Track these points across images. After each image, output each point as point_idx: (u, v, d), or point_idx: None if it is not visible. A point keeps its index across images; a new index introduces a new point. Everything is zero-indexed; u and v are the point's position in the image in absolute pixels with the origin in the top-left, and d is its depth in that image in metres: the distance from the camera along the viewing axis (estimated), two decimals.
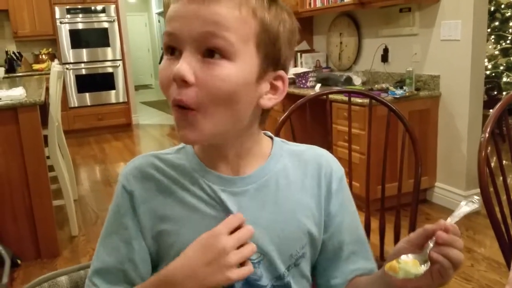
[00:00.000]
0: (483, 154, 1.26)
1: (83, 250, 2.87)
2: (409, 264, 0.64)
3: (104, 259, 0.76)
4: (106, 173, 4.59)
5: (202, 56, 0.64)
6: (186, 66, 0.63)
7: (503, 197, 1.32)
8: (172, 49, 0.67)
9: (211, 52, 0.64)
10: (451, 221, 0.66)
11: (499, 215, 1.26)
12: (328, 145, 1.69)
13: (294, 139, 1.48)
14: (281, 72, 0.72)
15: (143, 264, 0.76)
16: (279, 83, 0.72)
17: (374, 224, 1.64)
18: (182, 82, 0.64)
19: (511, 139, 1.40)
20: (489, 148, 1.31)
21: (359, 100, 2.91)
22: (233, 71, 0.65)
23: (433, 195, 3.34)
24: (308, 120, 1.71)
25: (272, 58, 0.69)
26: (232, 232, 0.69)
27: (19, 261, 2.69)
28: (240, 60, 0.65)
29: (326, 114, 1.75)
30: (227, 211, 0.73)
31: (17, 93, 2.59)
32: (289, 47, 0.71)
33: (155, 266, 0.77)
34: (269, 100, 0.72)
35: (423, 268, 0.64)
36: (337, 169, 0.83)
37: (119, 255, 0.75)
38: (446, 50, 3.08)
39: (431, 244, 0.64)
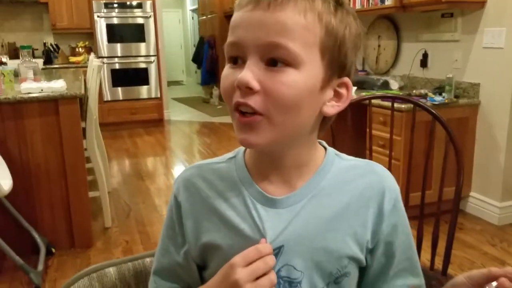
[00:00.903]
0: None
1: (115, 242, 2.92)
2: None
3: (159, 259, 0.82)
4: (138, 167, 4.65)
5: (266, 64, 0.64)
6: (250, 73, 0.63)
7: None
8: (235, 59, 0.67)
9: (275, 61, 0.64)
10: None
11: None
12: (362, 150, 1.68)
13: (334, 143, 1.48)
14: (346, 79, 0.70)
15: (190, 268, 0.78)
16: (343, 90, 0.70)
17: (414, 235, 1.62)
18: (247, 89, 0.63)
19: None
20: None
21: (396, 105, 2.87)
22: (298, 78, 0.64)
23: (467, 205, 3.28)
24: (349, 124, 1.70)
25: (337, 64, 0.68)
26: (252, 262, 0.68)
27: (53, 250, 2.76)
28: (304, 67, 0.64)
29: (366, 119, 1.73)
30: (262, 234, 0.72)
31: (58, 85, 2.65)
32: (354, 52, 0.69)
33: (203, 268, 0.79)
34: (332, 108, 0.70)
35: None
36: (392, 188, 0.77)
37: (170, 257, 0.80)
38: (488, 58, 3.01)
39: (493, 286, 0.62)
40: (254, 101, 0.64)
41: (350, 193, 0.75)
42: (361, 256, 0.75)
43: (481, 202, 3.18)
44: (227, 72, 0.67)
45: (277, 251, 0.71)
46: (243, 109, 0.65)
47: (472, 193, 3.26)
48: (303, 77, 0.64)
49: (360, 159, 0.80)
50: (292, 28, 0.63)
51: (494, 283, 0.62)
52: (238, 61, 0.66)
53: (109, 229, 3.10)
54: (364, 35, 0.72)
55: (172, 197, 0.80)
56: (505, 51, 2.89)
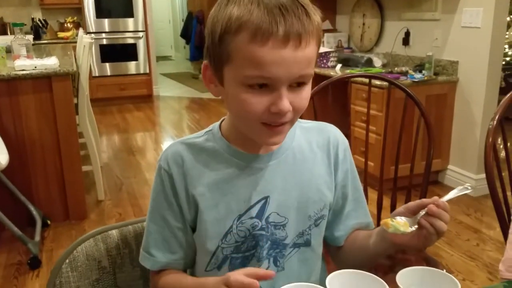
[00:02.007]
0: (490, 140, 1.37)
1: (109, 214, 3.04)
2: (400, 223, 0.79)
3: (153, 233, 0.91)
4: (129, 142, 4.75)
5: (292, 87, 0.76)
6: (287, 101, 0.75)
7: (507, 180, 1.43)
8: (261, 84, 0.75)
9: (299, 83, 0.77)
10: (444, 199, 0.80)
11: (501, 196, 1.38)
12: (347, 126, 1.80)
13: (316, 119, 1.60)
14: None
15: (187, 231, 0.91)
16: None
17: (386, 202, 1.76)
18: (285, 114, 0.76)
19: None
20: (498, 137, 1.42)
21: (377, 82, 2.99)
22: (309, 88, 0.80)
23: (445, 177, 3.45)
24: (329, 102, 1.82)
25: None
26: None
27: (48, 222, 2.88)
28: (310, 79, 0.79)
29: (347, 96, 1.85)
30: (250, 188, 0.87)
31: (51, 62, 2.72)
32: None
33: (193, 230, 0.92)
34: None
35: (410, 229, 0.79)
36: (343, 141, 0.97)
37: (169, 225, 0.90)
38: (466, 37, 3.14)
39: (422, 213, 0.79)
40: (287, 117, 0.78)
41: (314, 149, 0.94)
42: (331, 198, 0.94)
43: (458, 175, 3.35)
44: (254, 98, 0.75)
45: (264, 201, 0.87)
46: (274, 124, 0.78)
47: (450, 166, 3.42)
48: (310, 86, 0.80)
49: (314, 121, 0.99)
50: (314, 57, 0.77)
51: (425, 210, 0.79)
52: (262, 86, 0.75)
53: (102, 202, 3.22)
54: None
55: (161, 172, 0.89)
56: (482, 31, 3.01)
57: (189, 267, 0.96)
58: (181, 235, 0.91)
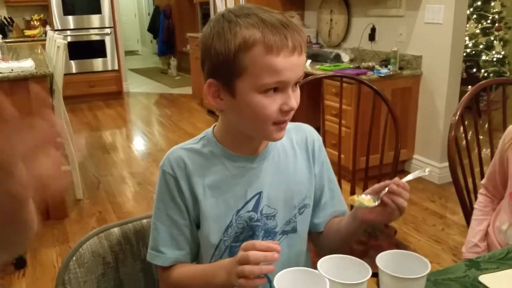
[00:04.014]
0: (452, 134, 1.51)
1: (88, 213, 3.09)
2: (364, 199, 0.94)
3: (161, 233, 1.00)
4: (102, 140, 4.77)
5: (292, 88, 0.91)
6: (294, 100, 0.90)
7: (467, 169, 1.58)
8: (275, 88, 0.89)
9: (295, 84, 0.92)
10: (404, 180, 0.94)
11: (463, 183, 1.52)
12: (319, 120, 1.93)
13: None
14: None
15: (193, 228, 1.02)
16: None
17: (358, 191, 1.89)
18: (293, 110, 0.91)
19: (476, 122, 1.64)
20: (460, 128, 1.56)
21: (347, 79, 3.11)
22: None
23: (411, 166, 3.63)
24: (304, 100, 1.93)
25: None
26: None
27: None
28: None
29: (319, 93, 1.98)
30: (245, 185, 1.00)
31: (28, 65, 2.74)
32: None
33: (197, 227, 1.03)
34: None
35: (373, 204, 0.93)
36: (317, 138, 1.11)
37: (177, 224, 1.00)
38: (429, 33, 3.30)
39: (384, 192, 0.93)
40: (291, 114, 0.93)
41: (295, 146, 1.07)
42: (312, 190, 1.08)
43: (423, 164, 3.53)
44: (267, 100, 0.89)
45: (258, 196, 1.00)
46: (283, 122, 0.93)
47: (415, 156, 3.61)
48: None
49: (292, 123, 1.11)
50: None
51: (387, 189, 0.93)
52: (275, 89, 0.89)
53: (81, 201, 3.26)
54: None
55: (166, 176, 0.99)
56: (443, 26, 3.18)
57: (194, 260, 1.06)
58: (188, 232, 1.01)
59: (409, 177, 0.96)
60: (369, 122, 1.85)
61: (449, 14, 3.13)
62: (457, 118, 1.51)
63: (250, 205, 1.00)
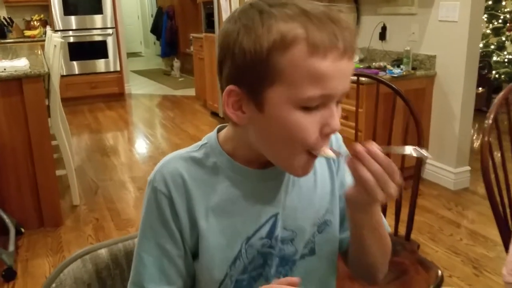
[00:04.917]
0: (486, 139, 1.34)
1: (85, 219, 2.94)
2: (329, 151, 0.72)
3: (148, 266, 0.79)
4: (102, 143, 4.62)
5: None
6: (338, 119, 0.70)
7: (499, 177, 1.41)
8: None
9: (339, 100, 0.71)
10: (392, 150, 0.72)
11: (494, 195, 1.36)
12: None
13: None
14: None
15: (188, 259, 0.81)
16: None
17: None
18: (334, 133, 0.72)
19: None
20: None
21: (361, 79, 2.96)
22: None
23: (424, 171, 3.46)
24: None
25: None
26: None
27: (22, 230, 2.76)
28: None
29: None
30: (259, 206, 0.80)
31: (21, 64, 2.60)
32: None
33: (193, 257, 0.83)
34: None
35: (332, 155, 0.72)
36: (338, 138, 0.91)
37: (169, 255, 0.79)
38: (444, 31, 3.14)
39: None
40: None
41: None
42: (335, 202, 0.87)
43: (437, 169, 3.36)
44: (306, 120, 0.68)
45: (274, 219, 0.81)
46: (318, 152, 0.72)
47: (428, 160, 3.44)
48: None
49: None
50: None
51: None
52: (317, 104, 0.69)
53: (78, 207, 3.11)
54: None
55: (157, 196, 0.78)
56: (459, 24, 3.02)
57: None
58: (182, 264, 0.80)
59: (399, 150, 0.70)
60: (382, 125, 1.70)
61: (465, 11, 2.97)
62: (490, 121, 1.35)
63: (264, 231, 0.80)
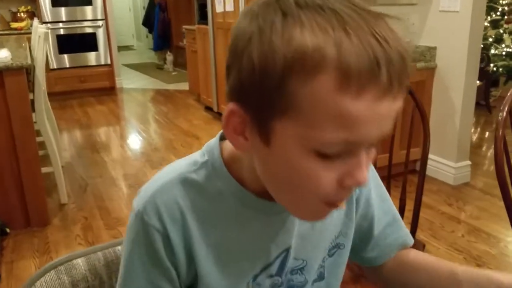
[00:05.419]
0: (500, 133, 1.24)
1: (73, 219, 2.82)
2: None
3: None
4: (92, 139, 4.49)
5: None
6: (367, 171, 0.53)
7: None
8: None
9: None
10: None
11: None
12: None
13: None
14: None
15: None
16: None
17: None
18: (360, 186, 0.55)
19: None
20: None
21: None
22: None
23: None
24: None
25: None
26: None
27: (7, 230, 2.63)
28: None
29: None
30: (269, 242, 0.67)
31: (1, 56, 2.47)
32: None
33: None
34: None
35: None
36: None
37: None
38: (445, 22, 3.04)
39: None
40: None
41: None
42: (350, 224, 0.75)
43: (437, 163, 3.27)
44: (323, 169, 0.51)
45: (285, 254, 0.68)
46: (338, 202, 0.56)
47: (428, 155, 3.34)
48: None
49: None
50: None
51: None
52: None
53: (66, 205, 2.99)
54: None
55: (149, 231, 0.62)
56: (461, 15, 2.91)
57: None
58: None
59: None
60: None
61: (467, 1, 2.87)
62: (504, 114, 1.24)
63: (274, 268, 0.68)
